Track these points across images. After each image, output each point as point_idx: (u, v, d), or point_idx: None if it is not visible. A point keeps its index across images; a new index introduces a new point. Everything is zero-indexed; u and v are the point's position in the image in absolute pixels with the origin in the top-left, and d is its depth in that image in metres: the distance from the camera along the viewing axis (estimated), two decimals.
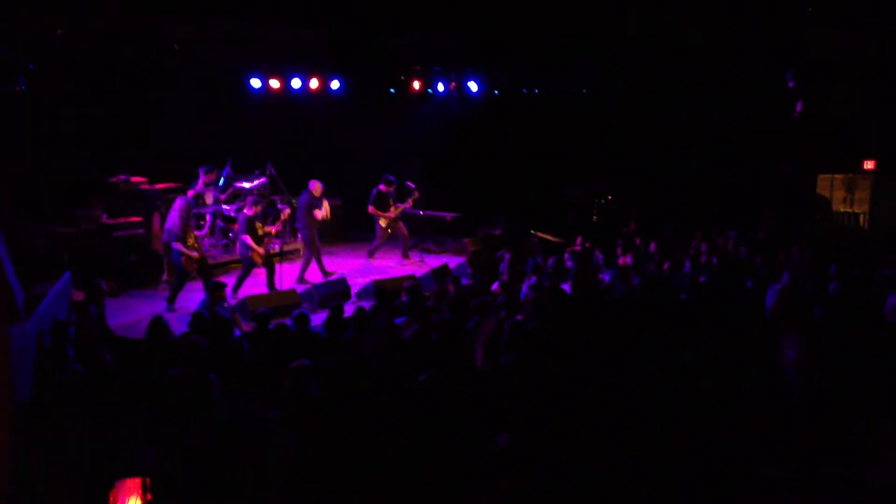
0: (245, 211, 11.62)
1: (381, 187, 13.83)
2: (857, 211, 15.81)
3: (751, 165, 15.89)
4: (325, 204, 13.10)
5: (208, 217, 13.25)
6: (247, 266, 11.63)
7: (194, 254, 10.86)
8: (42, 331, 7.27)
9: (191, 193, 11.90)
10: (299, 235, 14.02)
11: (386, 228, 13.99)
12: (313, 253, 12.89)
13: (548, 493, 4.95)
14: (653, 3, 13.33)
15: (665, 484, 5.00)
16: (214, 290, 9.05)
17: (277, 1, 13.16)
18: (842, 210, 15.98)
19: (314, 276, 12.79)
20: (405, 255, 14.35)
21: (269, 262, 11.68)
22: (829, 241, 13.55)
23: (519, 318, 7.98)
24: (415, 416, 5.62)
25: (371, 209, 13.85)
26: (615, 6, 13.49)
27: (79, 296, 9.42)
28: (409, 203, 14.08)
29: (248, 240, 11.39)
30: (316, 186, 13.04)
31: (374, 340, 7.50)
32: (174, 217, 10.93)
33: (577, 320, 8.08)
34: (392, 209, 13.90)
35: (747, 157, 15.85)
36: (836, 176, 16.17)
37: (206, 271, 11.08)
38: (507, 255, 12.20)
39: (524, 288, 9.83)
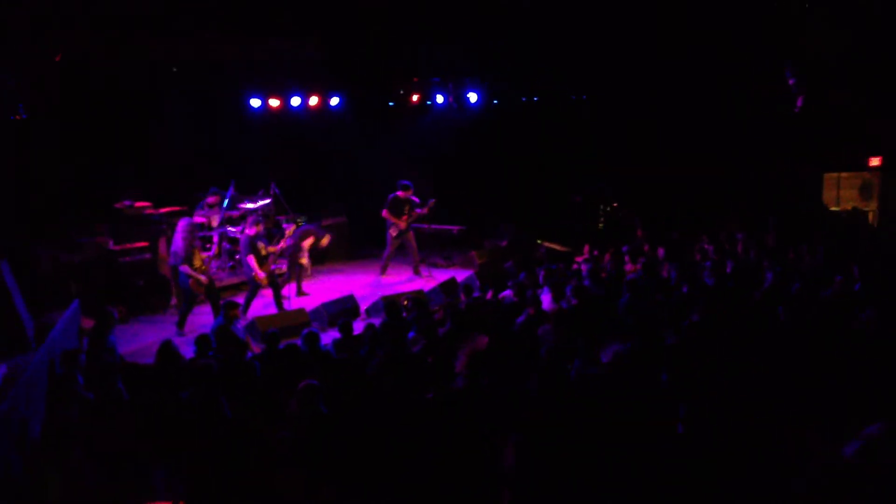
0: (246, 231, 11.57)
1: (399, 193, 13.77)
2: (865, 209, 15.73)
3: (756, 166, 15.85)
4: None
5: (215, 238, 13.25)
6: (253, 287, 11.61)
7: (202, 277, 10.84)
8: (53, 359, 7.26)
9: (197, 217, 11.88)
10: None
11: (396, 238, 13.90)
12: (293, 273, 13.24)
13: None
14: (651, 5, 13.32)
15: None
16: (228, 310, 9.02)
17: (273, 19, 13.20)
18: (850, 208, 15.90)
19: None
20: (416, 271, 14.32)
21: (274, 283, 11.65)
22: (839, 239, 13.45)
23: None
24: (423, 433, 5.58)
25: (385, 213, 13.77)
26: (613, 9, 13.50)
27: (88, 323, 9.42)
28: (426, 209, 13.98)
29: (252, 261, 11.35)
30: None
31: (383, 357, 7.45)
32: (178, 240, 10.92)
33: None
34: (405, 217, 13.82)
35: (752, 158, 15.81)
36: (843, 174, 16.11)
37: (214, 294, 11.06)
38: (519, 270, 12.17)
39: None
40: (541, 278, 10.49)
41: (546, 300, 9.50)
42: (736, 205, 15.41)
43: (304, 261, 13.28)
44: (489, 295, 10.80)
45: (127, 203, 13.19)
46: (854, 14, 12.98)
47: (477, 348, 7.44)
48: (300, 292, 12.98)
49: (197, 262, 10.88)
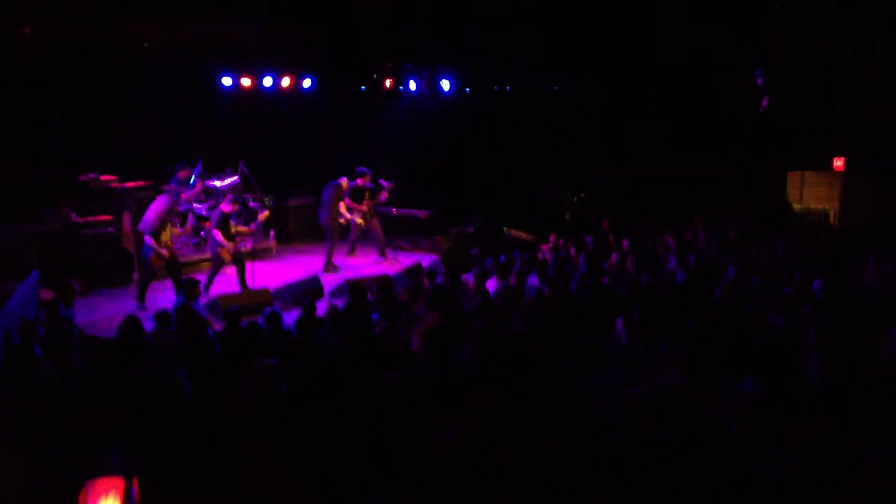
0: (222, 206, 11.53)
1: (358, 181, 13.80)
2: (826, 208, 15.99)
3: (720, 163, 16.01)
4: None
5: (190, 218, 13.17)
6: (216, 263, 11.56)
7: (164, 251, 10.77)
8: (10, 330, 7.18)
9: (171, 188, 11.75)
10: (272, 234, 14.15)
11: (360, 223, 13.92)
12: (334, 242, 13.36)
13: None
14: (622, 1, 13.41)
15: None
16: (189, 288, 8.99)
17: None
18: (812, 207, 16.15)
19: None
20: (381, 254, 14.31)
21: (239, 261, 11.61)
22: (799, 238, 13.66)
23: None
24: (385, 413, 5.61)
25: (347, 202, 13.78)
26: (585, 3, 13.56)
27: (47, 294, 9.31)
28: (383, 196, 14.03)
29: (219, 235, 11.31)
30: (344, 181, 13.51)
31: (345, 338, 7.47)
32: (153, 212, 10.82)
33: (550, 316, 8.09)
34: (365, 202, 13.85)
35: (716, 155, 15.97)
36: (806, 173, 16.35)
37: (176, 270, 10.99)
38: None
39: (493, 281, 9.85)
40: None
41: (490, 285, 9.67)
42: (700, 200, 15.56)
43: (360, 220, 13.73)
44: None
45: (92, 176, 13.06)
46: (823, 17, 13.15)
47: (428, 326, 7.47)
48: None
49: (164, 237, 10.80)
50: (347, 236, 14.27)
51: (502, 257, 11.00)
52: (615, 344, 6.99)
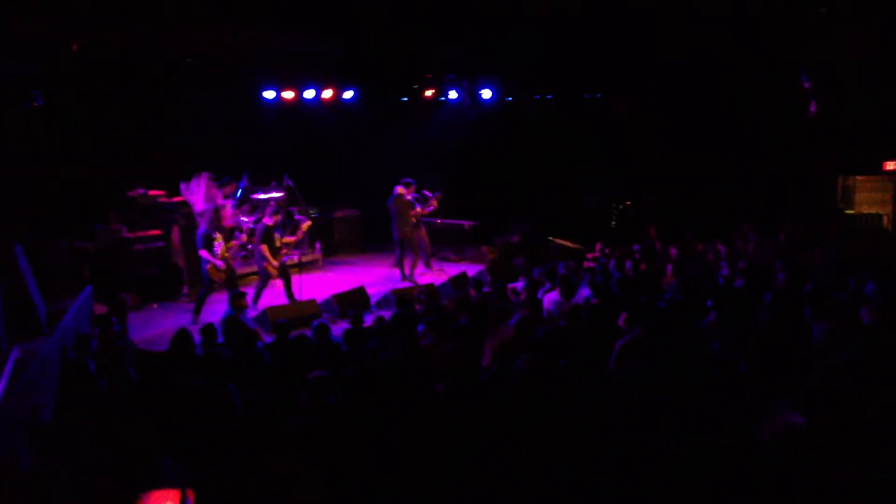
0: (264, 220, 11.65)
1: (395, 190, 13.82)
2: (879, 212, 15.64)
3: (770, 168, 15.76)
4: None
5: (244, 227, 13.30)
6: (263, 277, 11.66)
7: (220, 263, 10.90)
8: (65, 345, 7.30)
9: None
10: (318, 245, 14.25)
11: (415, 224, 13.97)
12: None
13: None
14: (666, 7, 13.26)
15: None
16: (235, 300, 9.07)
17: (290, 13, 13.21)
18: (864, 211, 15.81)
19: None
20: (427, 265, 14.33)
21: (285, 273, 11.70)
22: (853, 242, 13.38)
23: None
24: (432, 425, 5.59)
25: (414, 211, 13.78)
26: (626, 10, 13.44)
27: (100, 309, 9.48)
28: (431, 206, 14.03)
29: (265, 250, 11.42)
30: (401, 189, 13.53)
31: (393, 350, 7.46)
32: (203, 225, 11.03)
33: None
34: (413, 213, 13.85)
35: (767, 160, 15.72)
36: (858, 178, 16.02)
37: (232, 282, 11.10)
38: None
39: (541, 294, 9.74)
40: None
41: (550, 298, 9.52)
42: (750, 206, 15.32)
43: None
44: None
45: (140, 191, 13.26)
46: (871, 19, 12.89)
47: (502, 340, 7.43)
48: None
49: (220, 250, 10.94)
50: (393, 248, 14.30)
51: (561, 267, 10.92)
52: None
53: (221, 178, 13.54)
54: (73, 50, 11.64)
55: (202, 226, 11.09)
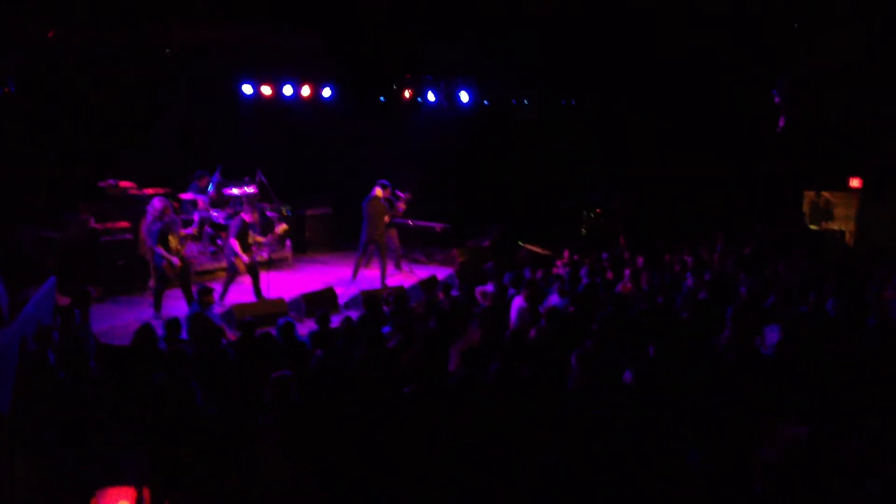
0: (242, 215, 11.59)
1: (373, 191, 13.79)
2: (841, 228, 15.90)
3: (739, 181, 15.95)
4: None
5: (195, 218, 13.23)
6: (231, 272, 11.61)
7: (175, 259, 10.82)
8: (25, 336, 7.22)
9: (188, 196, 11.79)
10: (288, 243, 14.18)
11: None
12: (384, 255, 13.30)
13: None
14: (641, 17, 13.39)
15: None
16: (202, 296, 9.02)
17: (270, 7, 13.18)
18: (827, 226, 16.07)
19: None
20: (397, 266, 14.33)
21: (253, 270, 11.64)
22: (816, 258, 13.56)
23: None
24: (397, 427, 5.61)
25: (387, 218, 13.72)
26: (604, 18, 13.55)
27: (63, 301, 9.38)
28: (401, 207, 13.99)
29: (236, 245, 11.36)
30: (378, 191, 13.33)
31: (359, 350, 7.47)
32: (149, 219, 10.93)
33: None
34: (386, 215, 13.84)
35: (736, 172, 15.91)
36: (824, 193, 16.27)
37: (186, 278, 11.03)
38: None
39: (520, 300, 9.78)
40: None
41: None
42: (717, 218, 15.49)
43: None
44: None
45: (111, 182, 13.16)
46: (844, 36, 13.09)
47: (468, 344, 7.44)
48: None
49: (174, 245, 10.86)
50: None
51: (527, 272, 10.94)
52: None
53: (194, 172, 13.45)
54: (48, 37, 11.54)
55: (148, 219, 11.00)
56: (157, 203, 11.09)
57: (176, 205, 12.89)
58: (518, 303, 9.39)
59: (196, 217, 13.21)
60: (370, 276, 13.76)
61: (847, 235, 15.84)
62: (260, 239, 11.83)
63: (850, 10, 12.70)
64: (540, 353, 7.29)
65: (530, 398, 5.97)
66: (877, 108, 13.88)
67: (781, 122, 14.20)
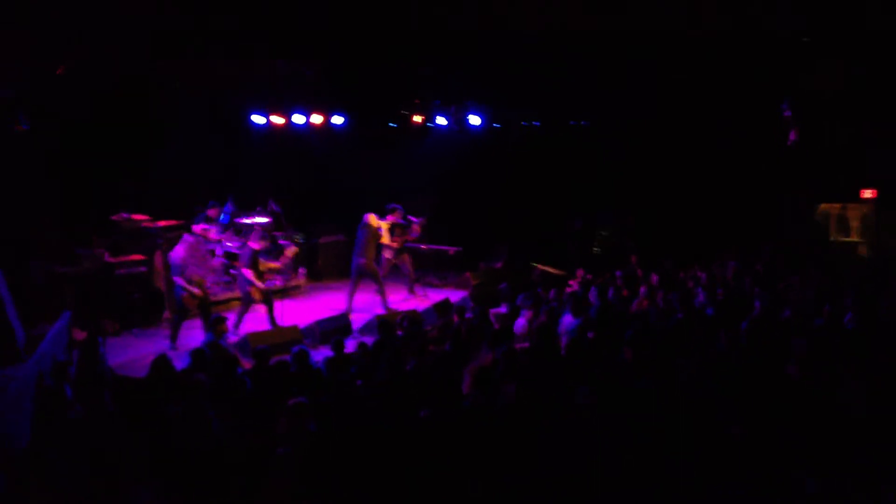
0: (250, 244, 11.62)
1: (388, 217, 13.82)
2: (855, 240, 15.81)
3: (751, 196, 15.91)
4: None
5: (218, 251, 13.25)
6: (246, 302, 11.63)
7: (196, 290, 10.86)
8: (42, 371, 7.26)
9: (199, 228, 11.85)
10: (302, 271, 14.20)
11: (390, 259, 13.95)
12: (379, 280, 13.19)
13: None
14: (647, 36, 13.41)
15: None
16: (216, 325, 9.06)
17: (277, 40, 13.28)
18: (840, 239, 15.99)
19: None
20: (411, 290, 14.34)
21: (268, 299, 11.66)
22: (830, 271, 13.48)
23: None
24: (415, 452, 5.59)
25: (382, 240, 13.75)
26: (611, 39, 13.58)
27: (79, 335, 9.42)
28: (415, 231, 14.00)
29: (250, 274, 11.40)
30: (372, 218, 13.30)
31: (376, 375, 7.46)
32: (180, 251, 10.93)
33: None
34: (396, 238, 13.85)
35: (747, 188, 15.88)
36: (834, 206, 16.20)
37: (206, 309, 11.06)
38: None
39: (522, 320, 9.77)
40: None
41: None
42: (732, 233, 15.43)
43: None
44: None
45: (125, 215, 13.23)
46: (851, 48, 13.07)
47: (481, 365, 7.42)
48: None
49: (195, 277, 10.90)
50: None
51: (532, 294, 10.89)
52: None
53: (207, 203, 13.53)
54: (58, 74, 11.66)
55: (178, 251, 11.01)
56: (190, 236, 11.13)
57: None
58: (520, 322, 9.42)
59: (217, 248, 13.24)
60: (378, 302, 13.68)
61: (861, 247, 15.75)
62: (273, 265, 11.85)
63: (858, 26, 12.69)
64: (558, 373, 7.25)
65: (546, 420, 5.94)
66: (885, 119, 13.84)
67: (792, 136, 14.17)
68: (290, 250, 12.38)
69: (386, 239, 13.54)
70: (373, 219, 13.35)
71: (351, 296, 13.22)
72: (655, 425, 5.76)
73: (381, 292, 13.14)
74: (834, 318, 8.70)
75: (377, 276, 13.17)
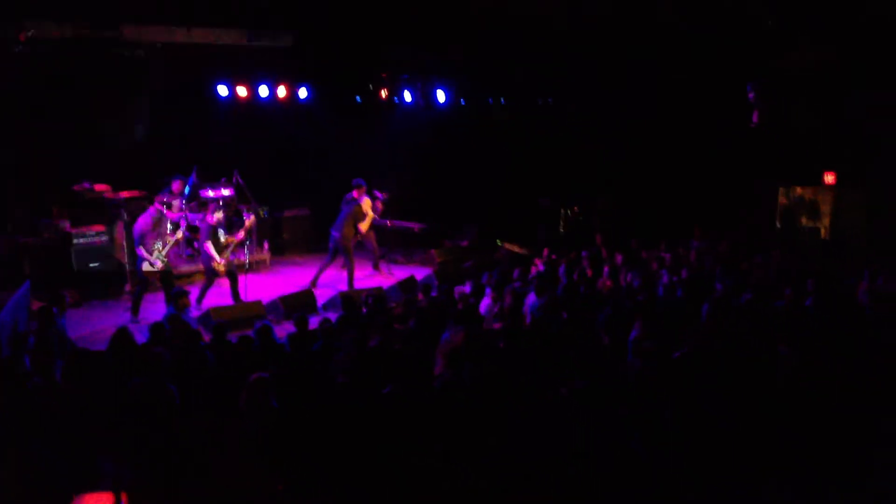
0: (207, 219, 11.48)
1: (354, 193, 13.71)
2: (816, 223, 16.01)
3: (717, 178, 16.05)
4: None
5: (182, 224, 13.10)
6: (209, 276, 11.52)
7: (157, 262, 10.74)
8: (0, 341, 7.16)
9: (163, 198, 11.69)
10: (266, 245, 14.09)
11: (355, 235, 13.86)
12: (352, 259, 13.08)
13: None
14: (614, 15, 13.45)
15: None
16: (178, 299, 8.98)
17: (244, 7, 13.13)
18: (801, 222, 16.19)
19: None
20: (375, 267, 14.29)
21: (232, 273, 11.57)
22: (793, 253, 13.67)
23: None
24: (378, 428, 5.59)
25: (360, 225, 13.62)
26: (578, 19, 13.61)
27: (38, 305, 9.29)
28: (378, 207, 13.93)
29: (210, 248, 11.28)
30: (365, 201, 13.25)
31: (340, 352, 7.44)
32: (142, 223, 10.77)
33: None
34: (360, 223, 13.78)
35: (714, 170, 16.00)
36: (797, 189, 16.38)
37: (168, 281, 10.95)
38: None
39: (487, 300, 9.80)
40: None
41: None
42: (696, 214, 15.57)
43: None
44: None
45: (86, 186, 13.05)
46: (818, 32, 13.21)
47: (453, 345, 7.42)
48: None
49: (157, 248, 10.76)
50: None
51: (496, 273, 10.90)
52: None
53: (172, 175, 13.35)
54: (20, 40, 11.43)
55: (140, 223, 10.85)
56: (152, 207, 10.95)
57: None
58: (486, 302, 9.44)
59: (181, 221, 13.09)
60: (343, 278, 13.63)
61: (822, 231, 15.96)
62: (232, 238, 11.68)
63: (824, 10, 12.81)
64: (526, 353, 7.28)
65: (515, 400, 5.98)
66: (850, 103, 14.00)
67: (755, 118, 14.31)
68: (248, 221, 12.11)
69: (365, 226, 13.38)
70: (367, 203, 13.26)
71: (322, 270, 13.18)
72: (631, 408, 5.82)
73: (350, 270, 13.07)
74: (795, 301, 8.84)
75: (350, 253, 13.11)
